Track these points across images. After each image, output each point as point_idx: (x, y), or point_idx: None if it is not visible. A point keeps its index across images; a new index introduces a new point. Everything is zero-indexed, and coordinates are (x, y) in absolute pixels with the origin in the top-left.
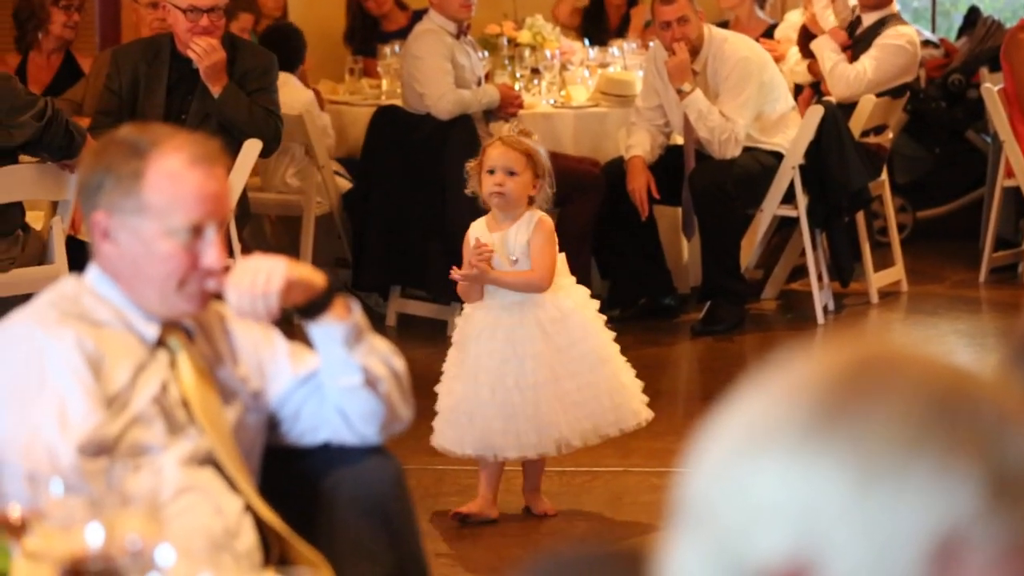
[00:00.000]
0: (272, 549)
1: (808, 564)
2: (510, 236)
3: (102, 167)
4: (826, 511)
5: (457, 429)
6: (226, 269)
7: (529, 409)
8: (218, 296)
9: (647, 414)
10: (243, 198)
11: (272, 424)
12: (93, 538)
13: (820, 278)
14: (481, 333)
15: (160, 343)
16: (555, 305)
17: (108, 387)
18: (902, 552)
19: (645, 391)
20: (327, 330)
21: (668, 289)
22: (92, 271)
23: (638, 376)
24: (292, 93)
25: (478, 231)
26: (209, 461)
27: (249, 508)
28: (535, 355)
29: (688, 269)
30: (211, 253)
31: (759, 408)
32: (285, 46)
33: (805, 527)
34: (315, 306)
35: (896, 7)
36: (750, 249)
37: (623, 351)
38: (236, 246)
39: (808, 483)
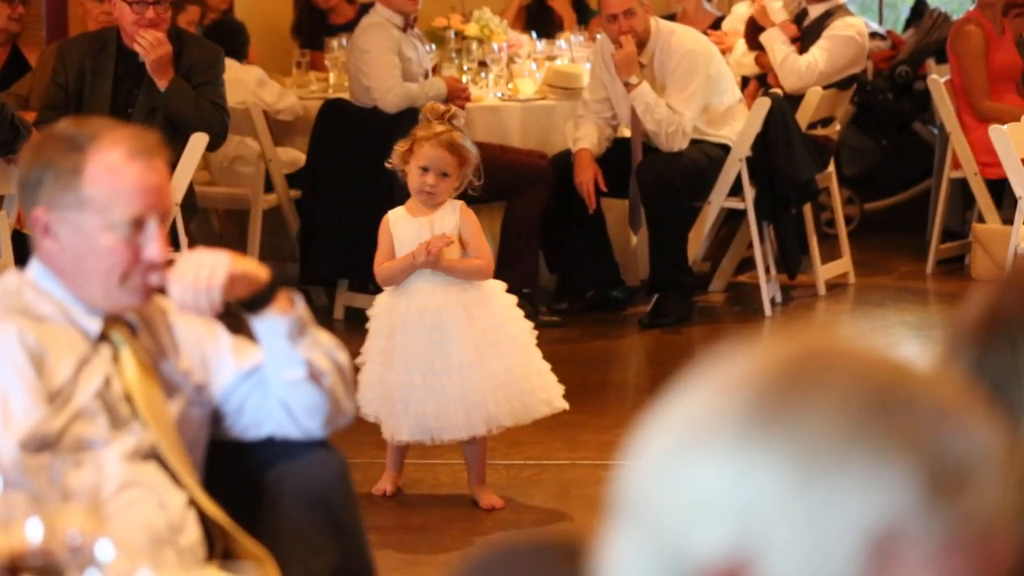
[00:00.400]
0: (216, 544)
1: (746, 560)
2: (435, 222)
3: (40, 162)
4: (764, 507)
5: (393, 417)
6: (169, 263)
7: (455, 389)
8: (161, 290)
9: (562, 403)
10: (190, 192)
11: (216, 418)
12: (33, 534)
13: (768, 270)
14: (407, 319)
15: (103, 337)
16: (475, 288)
17: (50, 382)
18: (839, 547)
19: (593, 383)
20: (270, 323)
21: (616, 282)
22: (34, 266)
23: (586, 369)
24: (239, 72)
25: (399, 216)
26: (152, 456)
27: (193, 502)
28: (460, 336)
29: (636, 262)
30: (153, 246)
31: (699, 402)
32: (230, 39)
33: (743, 523)
34: (258, 300)
35: None
36: (698, 241)
37: (571, 343)
38: (183, 240)
39: (746, 478)
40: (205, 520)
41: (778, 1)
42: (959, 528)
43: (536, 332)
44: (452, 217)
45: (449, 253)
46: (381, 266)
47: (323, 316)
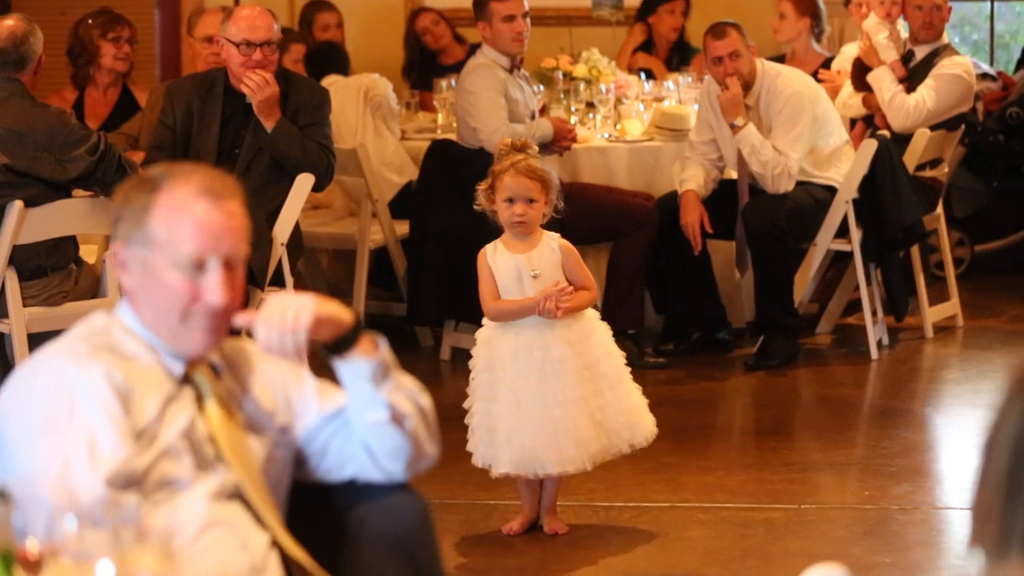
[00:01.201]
0: None
1: None
2: (534, 258)
3: (122, 200)
4: None
5: (493, 448)
6: (242, 307)
7: (570, 425)
8: (248, 333)
9: (654, 430)
10: (296, 231)
11: (299, 460)
12: (104, 574)
13: (874, 313)
14: (517, 355)
15: (187, 379)
16: (578, 323)
17: (137, 420)
18: None
19: (696, 425)
20: (354, 366)
21: (722, 323)
22: (122, 304)
23: (689, 411)
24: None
25: (496, 251)
26: (237, 496)
27: (276, 543)
28: (570, 372)
29: (743, 303)
30: (213, 287)
31: None
32: (330, 60)
33: None
34: (342, 343)
35: (947, 39)
36: (804, 283)
37: (676, 384)
38: (288, 279)
39: None
40: (287, 561)
41: (890, 42)
42: None
43: (635, 370)
44: (552, 253)
45: (542, 288)
46: (495, 303)
47: (430, 356)
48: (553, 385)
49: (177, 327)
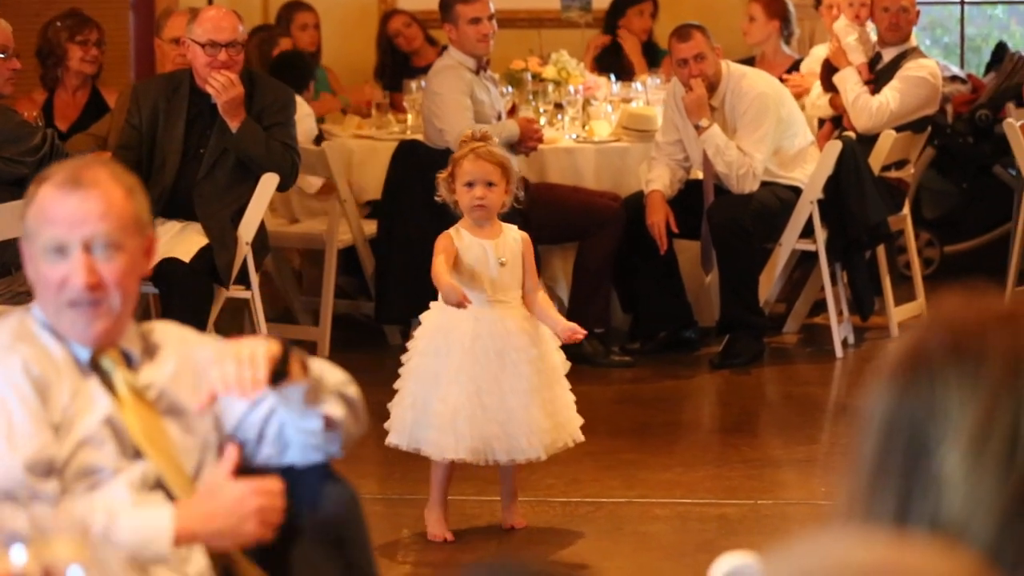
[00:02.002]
0: (220, 573)
1: None
2: (498, 246)
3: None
4: None
5: (452, 436)
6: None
7: (522, 414)
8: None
9: (580, 436)
10: (261, 231)
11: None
12: (17, 559)
13: (840, 312)
14: (477, 340)
15: (95, 367)
16: (523, 315)
17: (54, 410)
18: None
19: (659, 422)
20: (287, 392)
21: (689, 322)
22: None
23: (653, 408)
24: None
25: (462, 236)
26: (158, 486)
27: None
28: (528, 362)
29: (710, 302)
30: (74, 270)
31: None
32: (291, 72)
33: None
34: (276, 376)
35: (915, 41)
36: (769, 283)
37: (641, 383)
38: (253, 278)
39: None
40: (212, 551)
41: (858, 44)
42: None
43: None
44: (515, 243)
45: (505, 278)
46: (442, 271)
47: (397, 354)
48: (512, 373)
49: (62, 315)
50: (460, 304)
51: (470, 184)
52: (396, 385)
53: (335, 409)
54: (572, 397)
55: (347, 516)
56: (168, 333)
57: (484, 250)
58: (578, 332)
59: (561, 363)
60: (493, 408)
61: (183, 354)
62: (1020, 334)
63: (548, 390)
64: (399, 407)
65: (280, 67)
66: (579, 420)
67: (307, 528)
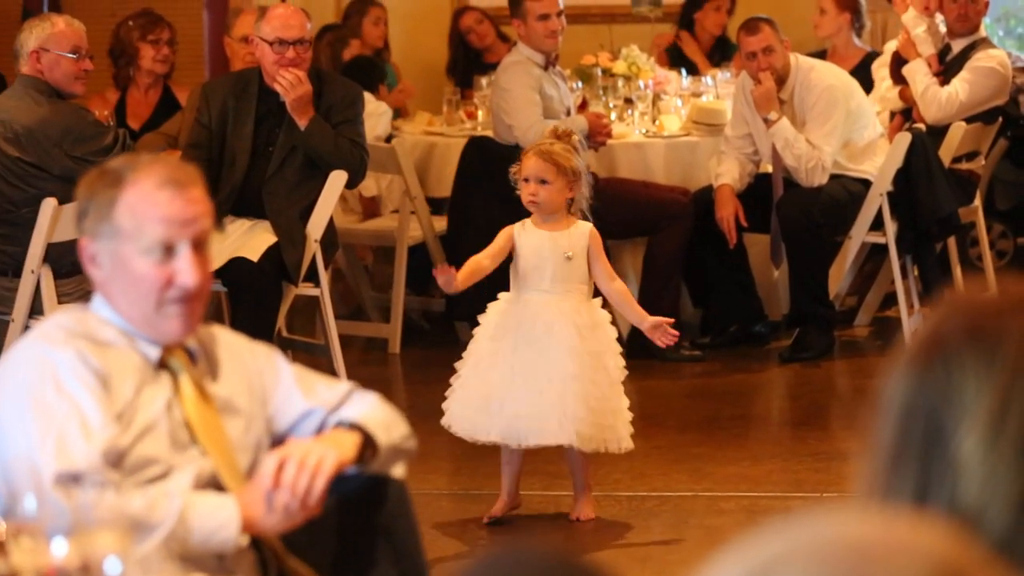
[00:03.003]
0: (270, 568)
1: None
2: (562, 237)
3: (87, 195)
4: None
5: (486, 416)
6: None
7: (554, 397)
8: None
9: (629, 444)
10: (330, 228)
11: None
12: (58, 551)
13: (911, 305)
14: (520, 325)
15: (163, 364)
16: (588, 312)
17: (115, 402)
18: None
19: (727, 416)
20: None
21: (759, 316)
22: (95, 297)
23: (721, 402)
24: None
25: (524, 227)
26: (212, 483)
27: None
28: (569, 349)
29: (779, 296)
30: (185, 269)
31: (758, 562)
32: (363, 76)
33: None
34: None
35: (984, 32)
36: (839, 276)
37: (710, 376)
38: (323, 276)
39: None
40: (261, 548)
41: (927, 35)
42: None
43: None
44: (582, 239)
45: (569, 270)
46: (474, 261)
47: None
48: (549, 358)
49: (152, 314)
50: (450, 287)
51: (527, 180)
52: (458, 365)
53: (398, 470)
54: (626, 404)
55: (397, 510)
56: (224, 335)
57: (550, 242)
58: (669, 332)
59: (616, 369)
60: (526, 391)
61: (238, 356)
62: None
63: (593, 385)
64: (451, 390)
65: (352, 71)
66: (629, 430)
67: (356, 521)
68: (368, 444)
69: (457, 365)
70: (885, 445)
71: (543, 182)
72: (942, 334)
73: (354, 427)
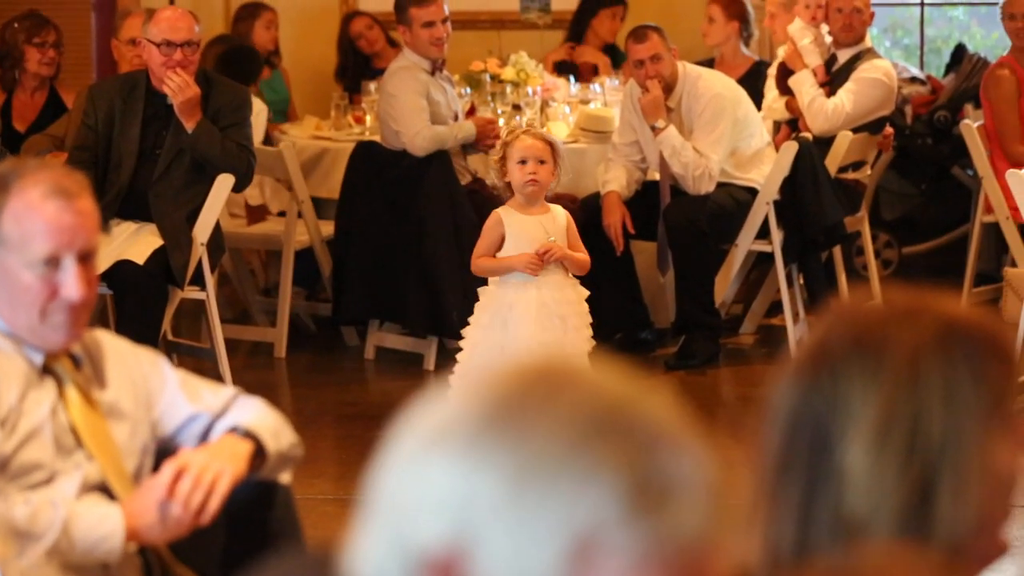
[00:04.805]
0: (154, 574)
1: (462, 552)
2: (546, 221)
3: None
4: (482, 507)
5: None
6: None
7: None
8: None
9: None
10: (216, 231)
11: (172, 451)
12: None
13: (796, 313)
14: (541, 309)
15: (47, 370)
16: (574, 284)
17: (0, 407)
18: (544, 548)
19: None
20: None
21: (645, 323)
22: None
23: None
24: None
25: (511, 213)
26: (99, 487)
27: None
28: (580, 328)
29: (666, 304)
30: (70, 283)
31: (442, 410)
32: (240, 67)
33: (462, 519)
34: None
35: (870, 42)
36: (725, 284)
37: None
38: (209, 279)
39: (468, 481)
40: (146, 552)
41: (814, 46)
42: (657, 543)
43: None
44: (561, 220)
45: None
46: (483, 259)
47: (355, 356)
48: (575, 337)
49: (36, 324)
50: (537, 264)
51: (523, 161)
52: (459, 357)
53: (285, 476)
54: None
55: (281, 514)
56: (108, 340)
57: (537, 226)
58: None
59: (586, 340)
60: None
61: (123, 361)
62: (921, 330)
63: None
64: (464, 380)
65: (228, 62)
66: None
67: (240, 525)
68: (259, 452)
69: (459, 357)
70: (772, 453)
71: (541, 162)
72: (828, 344)
73: (247, 435)
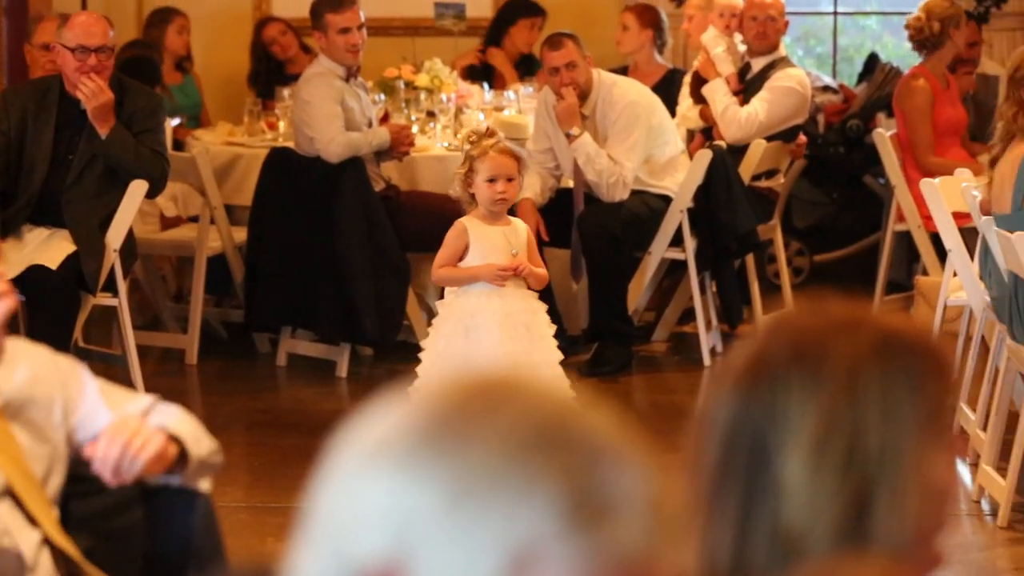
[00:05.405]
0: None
1: (400, 566)
2: (510, 233)
3: None
4: (421, 520)
5: None
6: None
7: (557, 384)
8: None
9: None
10: (129, 238)
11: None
12: None
13: (708, 320)
14: (506, 319)
15: None
16: (530, 302)
17: None
18: (481, 563)
19: None
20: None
21: (558, 331)
22: None
23: None
24: None
25: (476, 224)
26: (7, 494)
27: (48, 541)
28: (543, 337)
29: (578, 311)
30: None
31: (383, 423)
32: (140, 71)
33: (401, 533)
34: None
35: (784, 51)
36: (638, 292)
37: None
38: (121, 285)
39: (407, 494)
40: (60, 559)
41: (727, 55)
42: (596, 558)
43: None
44: (523, 234)
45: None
46: (445, 269)
47: (266, 362)
48: (542, 346)
49: None
50: (505, 275)
51: (492, 179)
52: (418, 370)
53: (204, 484)
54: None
55: (200, 521)
56: (25, 347)
57: (501, 238)
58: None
59: (553, 350)
60: None
61: (39, 368)
62: (861, 341)
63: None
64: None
65: (129, 68)
66: None
67: (160, 534)
68: (181, 456)
69: (419, 370)
70: (709, 466)
71: (510, 179)
72: (767, 355)
73: (171, 439)
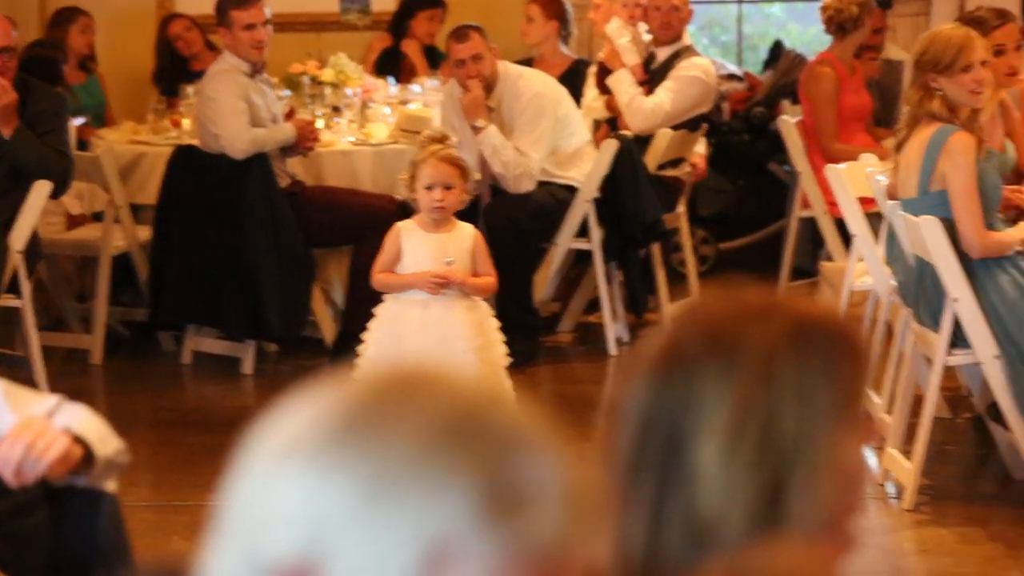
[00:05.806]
0: None
1: (313, 565)
2: (450, 240)
3: None
4: (333, 518)
5: None
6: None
7: None
8: None
9: None
10: (33, 238)
11: None
12: None
13: (614, 310)
14: (426, 328)
15: None
16: (478, 309)
17: None
18: (396, 559)
19: None
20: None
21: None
22: None
23: None
24: None
25: (412, 229)
26: None
27: None
28: (476, 350)
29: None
30: None
31: (294, 421)
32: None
33: (314, 531)
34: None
35: (688, 40)
36: (544, 283)
37: None
38: (25, 287)
39: (319, 492)
40: None
41: (632, 45)
42: (513, 550)
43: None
44: (466, 240)
45: (460, 271)
46: (384, 275)
47: (171, 360)
48: (458, 361)
49: None
50: (437, 284)
51: (430, 187)
52: (355, 376)
53: (110, 484)
54: (510, 386)
55: (107, 523)
56: None
57: (434, 245)
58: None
59: (502, 357)
60: None
61: None
62: (775, 327)
63: (496, 380)
64: None
65: (32, 68)
66: None
67: (65, 535)
68: (87, 457)
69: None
70: (623, 453)
71: (448, 188)
72: (682, 342)
73: (76, 440)
